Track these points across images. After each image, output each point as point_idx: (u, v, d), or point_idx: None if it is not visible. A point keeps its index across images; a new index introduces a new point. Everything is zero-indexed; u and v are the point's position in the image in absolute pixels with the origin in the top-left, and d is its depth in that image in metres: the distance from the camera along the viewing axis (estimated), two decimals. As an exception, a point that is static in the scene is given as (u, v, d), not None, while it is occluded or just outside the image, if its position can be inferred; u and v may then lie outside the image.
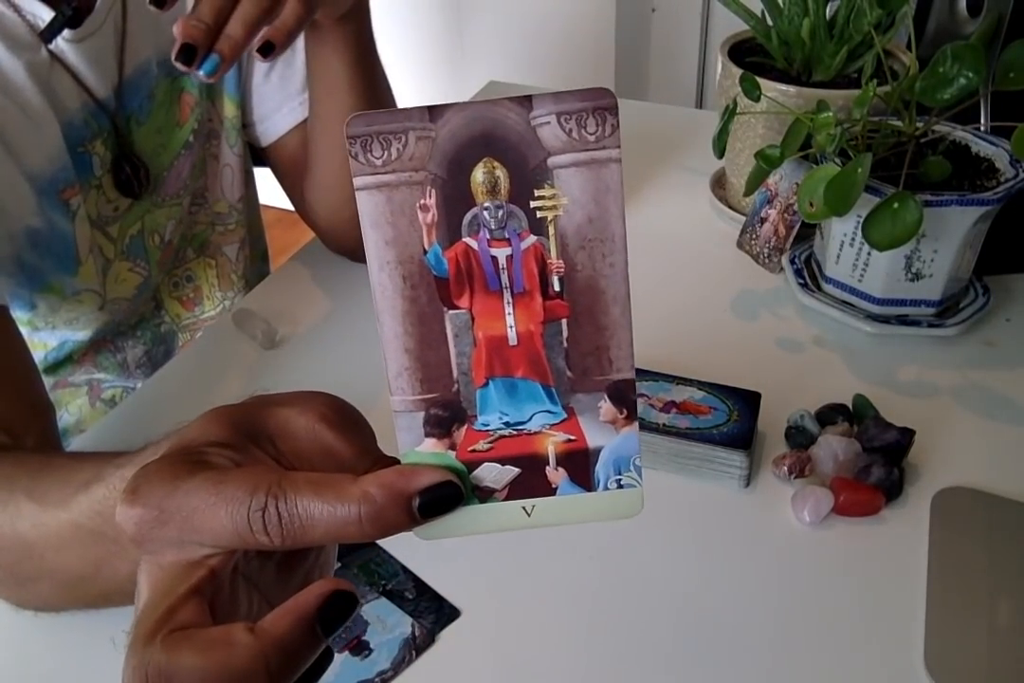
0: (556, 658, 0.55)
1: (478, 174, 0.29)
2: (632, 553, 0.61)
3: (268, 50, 0.58)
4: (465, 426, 0.31)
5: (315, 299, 0.87)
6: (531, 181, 0.29)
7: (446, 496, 0.29)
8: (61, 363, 0.84)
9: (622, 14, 1.88)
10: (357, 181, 0.29)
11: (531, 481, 0.31)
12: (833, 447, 0.64)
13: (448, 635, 0.56)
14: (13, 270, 0.71)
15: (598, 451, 0.31)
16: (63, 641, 0.57)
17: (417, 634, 0.56)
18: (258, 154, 0.92)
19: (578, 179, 0.29)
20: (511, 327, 0.30)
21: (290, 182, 0.89)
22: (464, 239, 0.30)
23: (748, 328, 0.81)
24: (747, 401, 0.66)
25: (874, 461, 0.63)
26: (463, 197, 0.29)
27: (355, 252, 0.89)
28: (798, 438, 0.67)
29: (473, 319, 0.30)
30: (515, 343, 0.31)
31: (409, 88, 2.17)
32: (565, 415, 0.31)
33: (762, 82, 0.79)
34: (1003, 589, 0.57)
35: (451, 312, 0.30)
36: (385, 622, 0.56)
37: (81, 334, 0.82)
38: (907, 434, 0.65)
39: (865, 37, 0.81)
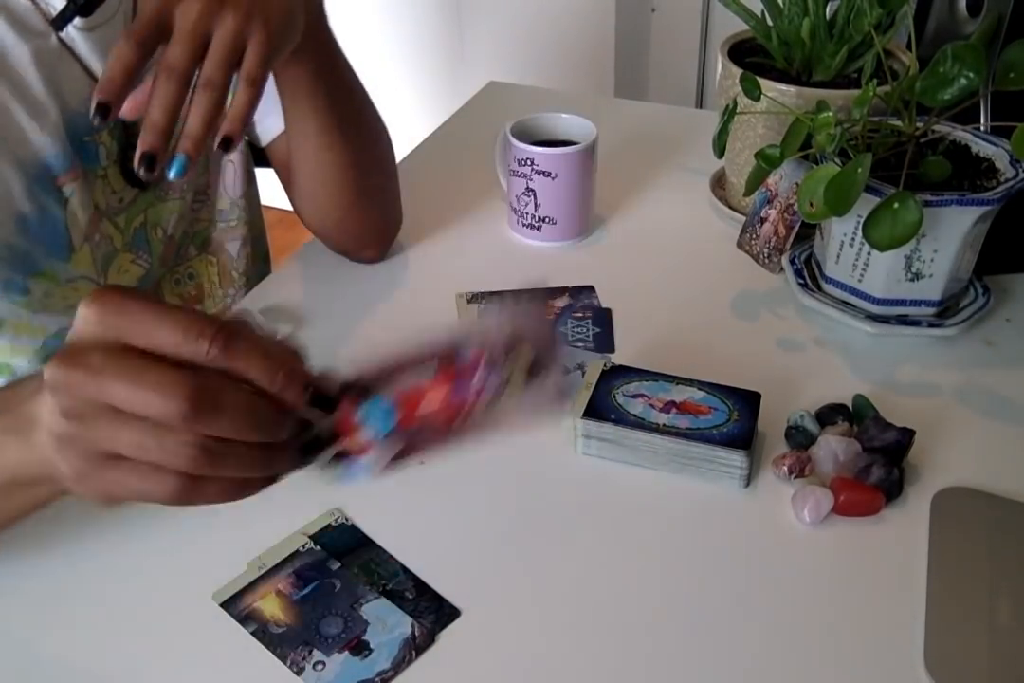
0: (556, 658, 0.55)
1: None
2: (632, 553, 0.61)
3: (229, 145, 0.57)
4: None
5: (315, 299, 0.87)
6: None
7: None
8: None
9: (622, 14, 1.88)
10: None
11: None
12: (833, 447, 0.64)
13: (448, 635, 0.56)
14: (4, 254, 0.71)
15: None
16: (69, 634, 0.57)
17: (417, 634, 0.56)
18: (260, 154, 0.92)
19: None
20: None
21: (285, 181, 0.90)
22: None
23: (748, 328, 0.81)
24: (747, 401, 0.66)
25: (874, 461, 0.63)
26: None
27: (353, 252, 0.89)
28: (798, 438, 0.67)
29: None
30: None
31: (409, 88, 2.17)
32: None
33: (762, 82, 0.79)
34: (1003, 589, 0.57)
35: None
36: (385, 622, 0.56)
37: None
38: (907, 434, 0.65)
39: (865, 37, 0.81)
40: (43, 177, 0.71)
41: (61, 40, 0.70)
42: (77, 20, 0.69)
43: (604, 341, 0.79)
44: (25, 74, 0.68)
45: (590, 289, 0.85)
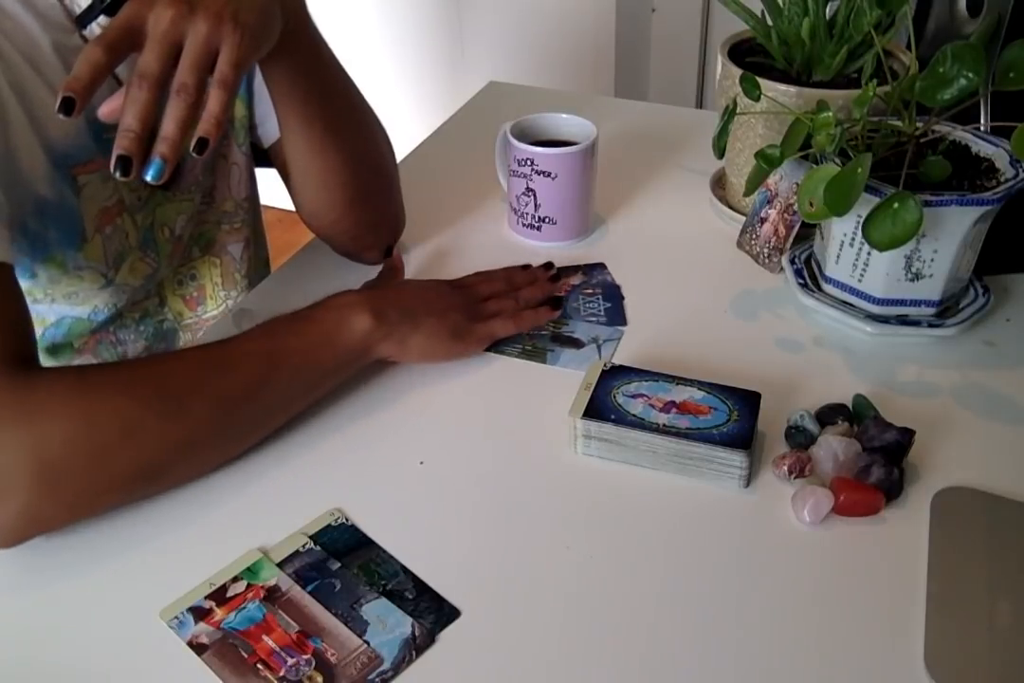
0: (556, 658, 0.55)
1: None
2: (632, 553, 0.61)
3: (203, 146, 0.57)
4: None
5: (315, 299, 0.86)
6: None
7: None
8: (61, 348, 0.84)
9: (622, 14, 1.88)
10: None
11: None
12: (833, 447, 0.64)
13: (448, 635, 0.56)
14: (16, 235, 0.72)
15: None
16: (65, 629, 0.57)
17: (417, 634, 0.56)
18: (262, 155, 0.92)
19: None
20: None
21: (286, 182, 0.90)
22: None
23: (748, 328, 0.81)
24: (747, 401, 0.66)
25: (874, 461, 0.63)
26: None
27: (355, 254, 0.89)
28: (798, 438, 0.67)
29: None
30: None
31: (409, 88, 2.17)
32: None
33: (762, 82, 0.79)
34: (1003, 589, 0.57)
35: None
36: (385, 622, 0.56)
37: (79, 310, 0.82)
38: (907, 434, 0.65)
39: (865, 37, 0.82)
40: (62, 164, 0.72)
41: (84, 38, 0.71)
42: (101, 18, 0.70)
43: (616, 315, 0.81)
44: (52, 65, 0.69)
45: (601, 266, 0.88)
